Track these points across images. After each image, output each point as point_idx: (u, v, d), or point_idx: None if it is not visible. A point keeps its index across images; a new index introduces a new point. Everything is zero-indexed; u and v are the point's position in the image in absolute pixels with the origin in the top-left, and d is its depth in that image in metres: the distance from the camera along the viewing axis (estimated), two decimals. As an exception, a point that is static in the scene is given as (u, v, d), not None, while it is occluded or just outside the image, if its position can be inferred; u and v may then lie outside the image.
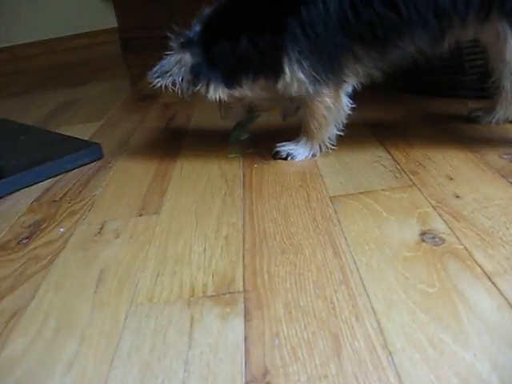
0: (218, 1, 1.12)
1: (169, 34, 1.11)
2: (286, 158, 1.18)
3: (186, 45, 1.09)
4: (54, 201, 1.16)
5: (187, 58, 1.08)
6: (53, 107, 2.05)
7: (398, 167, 1.06)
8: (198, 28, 1.11)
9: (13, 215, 1.12)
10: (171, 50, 1.10)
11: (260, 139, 1.30)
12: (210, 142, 1.37)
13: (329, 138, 1.15)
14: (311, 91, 1.07)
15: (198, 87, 1.10)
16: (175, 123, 1.58)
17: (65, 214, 1.09)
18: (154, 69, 1.09)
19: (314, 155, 1.17)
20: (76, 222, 1.04)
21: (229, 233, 0.91)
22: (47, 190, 1.23)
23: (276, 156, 1.18)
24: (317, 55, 1.03)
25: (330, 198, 0.98)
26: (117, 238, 0.95)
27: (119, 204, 1.08)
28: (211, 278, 0.80)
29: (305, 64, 1.03)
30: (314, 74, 1.04)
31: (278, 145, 1.19)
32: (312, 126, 1.14)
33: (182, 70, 1.08)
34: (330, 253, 0.81)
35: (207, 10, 1.12)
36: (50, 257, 0.93)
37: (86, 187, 1.21)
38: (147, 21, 2.97)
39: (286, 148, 1.18)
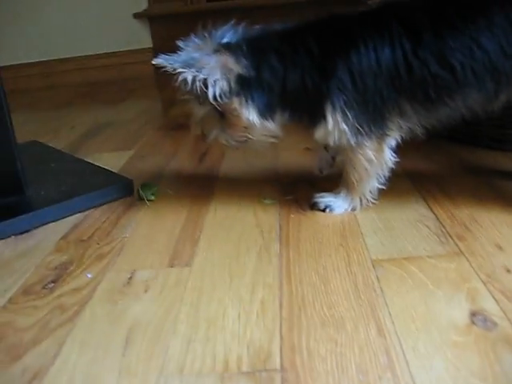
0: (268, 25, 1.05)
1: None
2: (324, 210, 1.13)
3: (227, 48, 1.00)
4: (82, 240, 1.13)
5: (231, 63, 0.99)
6: (84, 130, 2.03)
7: (443, 230, 1.00)
8: (237, 38, 1.02)
9: (39, 253, 1.09)
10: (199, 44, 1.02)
11: (297, 184, 1.26)
12: (244, 182, 1.33)
13: (370, 192, 1.10)
14: (353, 143, 1.02)
15: (235, 99, 1.01)
16: (208, 159, 1.54)
17: (93, 257, 1.05)
18: (178, 54, 1.00)
19: (353, 209, 1.12)
20: (104, 267, 1.00)
21: (265, 296, 0.86)
22: (75, 226, 1.20)
23: (314, 207, 1.14)
24: (362, 106, 0.99)
25: (371, 261, 0.93)
26: (146, 291, 0.91)
27: (149, 250, 1.04)
28: (246, 349, 0.75)
29: (349, 114, 0.99)
30: (358, 126, 0.99)
31: (317, 195, 1.15)
32: (352, 179, 1.09)
33: (223, 73, 0.99)
34: (373, 330, 0.76)
35: (246, 30, 1.05)
36: (75, 307, 0.89)
37: (115, 227, 1.17)
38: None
39: (324, 200, 1.13)
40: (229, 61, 0.98)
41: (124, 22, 3.13)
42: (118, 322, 0.84)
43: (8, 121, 1.24)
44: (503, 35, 0.90)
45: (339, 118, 0.99)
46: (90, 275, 0.98)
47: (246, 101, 1.00)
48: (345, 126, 1.00)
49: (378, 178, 1.08)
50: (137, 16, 3.09)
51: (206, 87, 0.98)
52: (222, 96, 0.99)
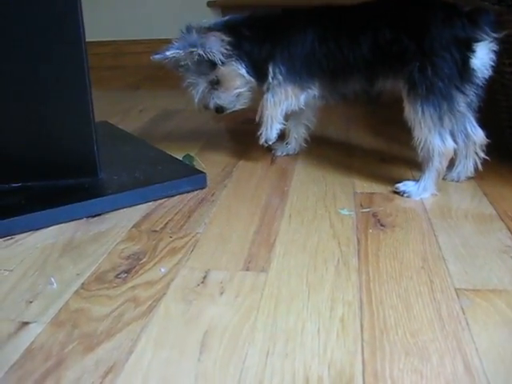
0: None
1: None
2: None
3: (210, 29, 1.35)
4: (154, 231, 1.12)
5: (221, 35, 1.33)
6: (152, 115, 2.03)
7: (531, 265, 0.96)
8: (218, 24, 1.37)
9: (111, 240, 1.09)
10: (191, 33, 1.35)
11: (374, 197, 1.23)
12: (319, 189, 1.30)
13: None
14: (282, 86, 1.36)
15: (231, 59, 1.35)
16: (280, 160, 1.52)
17: (166, 251, 1.04)
18: (174, 45, 1.35)
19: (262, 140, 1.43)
20: (177, 263, 0.99)
21: (345, 314, 0.83)
22: (147, 215, 1.19)
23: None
24: (292, 65, 1.34)
25: (455, 290, 0.89)
26: (222, 293, 0.89)
27: (223, 250, 1.03)
28: (327, 370, 0.72)
29: (282, 68, 1.34)
30: (287, 76, 1.34)
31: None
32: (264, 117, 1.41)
33: (219, 41, 1.32)
34: (460, 366, 0.73)
35: (223, 19, 1.43)
36: (149, 302, 0.88)
37: (187, 221, 1.15)
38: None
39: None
40: (218, 34, 1.33)
41: (197, 9, 3.12)
42: (194, 324, 0.82)
43: (89, 98, 1.24)
44: (371, 41, 1.22)
45: (276, 68, 1.34)
46: (163, 269, 0.97)
47: (239, 61, 1.35)
48: (277, 74, 1.34)
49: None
50: (210, 4, 3.08)
51: (211, 58, 1.33)
52: (224, 60, 1.33)
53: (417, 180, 1.24)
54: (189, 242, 1.07)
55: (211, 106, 1.41)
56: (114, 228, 1.14)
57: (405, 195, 1.23)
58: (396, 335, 0.78)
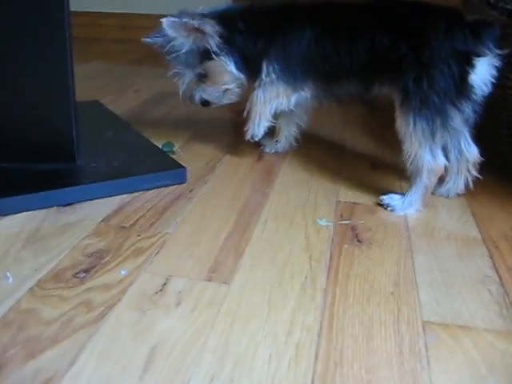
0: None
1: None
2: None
3: (207, 17, 1.28)
4: (123, 227, 1.08)
5: (215, 25, 1.28)
6: (148, 96, 1.99)
7: (507, 300, 0.91)
8: (212, 13, 1.30)
9: (78, 233, 1.05)
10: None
11: (356, 208, 1.18)
12: (301, 193, 1.25)
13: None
14: (275, 84, 1.30)
15: (221, 54, 1.31)
16: (267, 158, 1.47)
17: (130, 251, 1.00)
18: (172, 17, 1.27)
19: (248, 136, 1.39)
20: (140, 266, 0.96)
21: (301, 340, 0.80)
22: (119, 208, 1.15)
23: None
24: (287, 64, 1.28)
25: (422, 322, 0.85)
26: (178, 305, 0.86)
27: (189, 255, 0.99)
28: (271, 403, 0.68)
29: (276, 67, 1.28)
30: (281, 75, 1.29)
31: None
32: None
33: (214, 31, 1.27)
34: (412, 410, 0.68)
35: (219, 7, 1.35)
36: (102, 308, 0.84)
37: (159, 218, 1.12)
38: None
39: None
40: (212, 23, 1.27)
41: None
42: (143, 337, 0.79)
43: (70, 76, 1.18)
44: (368, 45, 1.17)
45: (270, 67, 1.28)
46: (123, 272, 0.93)
47: (229, 56, 1.30)
48: (271, 73, 1.29)
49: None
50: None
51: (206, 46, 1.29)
52: (216, 51, 1.29)
53: (403, 194, 1.18)
54: (156, 242, 1.03)
55: (196, 99, 1.38)
56: (82, 220, 1.10)
57: (388, 208, 1.19)
58: (351, 370, 0.75)
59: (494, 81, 1.11)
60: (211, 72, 1.33)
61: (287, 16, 1.30)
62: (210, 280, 0.92)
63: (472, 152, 1.21)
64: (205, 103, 1.39)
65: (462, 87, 1.08)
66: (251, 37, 1.30)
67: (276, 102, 1.32)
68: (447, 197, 1.27)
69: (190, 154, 1.45)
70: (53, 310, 0.84)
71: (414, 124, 1.10)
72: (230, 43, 1.29)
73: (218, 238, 1.05)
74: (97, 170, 1.25)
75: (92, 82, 2.19)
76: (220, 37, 1.28)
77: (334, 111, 1.85)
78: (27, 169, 1.22)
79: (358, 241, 1.06)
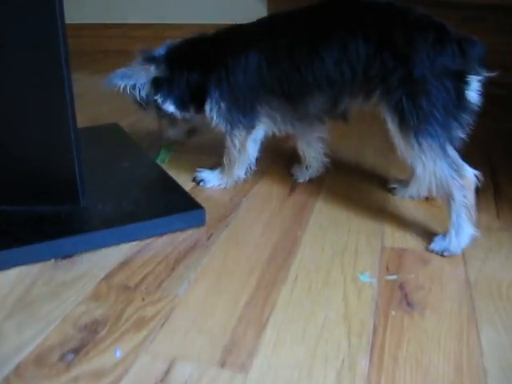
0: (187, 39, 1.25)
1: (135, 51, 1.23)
2: (198, 183, 1.29)
3: (151, 59, 1.21)
4: (127, 287, 0.92)
5: (152, 69, 1.20)
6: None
7: None
8: (162, 51, 1.22)
9: (73, 296, 0.90)
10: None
11: (406, 257, 0.99)
12: (340, 236, 1.07)
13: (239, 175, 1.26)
14: (225, 131, 1.20)
15: (157, 97, 1.22)
16: (302, 188, 1.28)
17: (132, 321, 0.84)
18: (116, 72, 1.20)
19: (223, 185, 1.28)
20: (140, 344, 0.79)
21: None
22: (125, 261, 0.99)
23: (194, 180, 1.30)
24: (234, 99, 1.15)
25: (495, 429, 0.64)
26: (181, 403, 0.67)
27: (201, 329, 0.81)
28: None
29: (222, 105, 1.16)
30: (229, 116, 1.17)
31: (198, 169, 1.32)
32: (225, 162, 1.26)
33: (146, 77, 1.20)
34: None
35: (171, 42, 1.25)
36: (87, 409, 0.66)
37: (170, 275, 0.95)
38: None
39: (202, 174, 1.30)
40: (148, 68, 1.20)
41: (242, -6, 2.90)
42: None
43: (68, 103, 1.02)
44: (337, 56, 1.03)
45: (214, 108, 1.17)
46: (119, 353, 0.76)
47: (164, 98, 1.21)
48: (217, 116, 1.18)
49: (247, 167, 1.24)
50: (257, -11, 2.84)
51: (134, 90, 1.21)
52: (149, 96, 1.22)
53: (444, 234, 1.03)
54: (162, 310, 0.86)
55: (168, 135, 1.39)
56: (81, 278, 0.94)
57: (445, 254, 1.01)
58: None
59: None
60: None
61: (229, 41, 1.19)
62: (223, 366, 0.74)
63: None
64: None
65: (460, 101, 0.98)
66: (188, 70, 1.20)
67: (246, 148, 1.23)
68: (410, 198, 1.22)
69: (212, 188, 1.27)
70: (26, 410, 0.67)
71: (419, 144, 0.97)
72: (169, 83, 1.21)
73: (236, 302, 0.87)
74: (103, 213, 1.09)
75: (118, 100, 2.04)
76: (156, 80, 1.21)
77: (377, 133, 1.63)
78: (25, 212, 1.08)
79: (408, 304, 0.86)
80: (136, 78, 1.20)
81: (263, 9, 2.94)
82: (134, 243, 1.05)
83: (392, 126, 0.99)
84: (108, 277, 0.95)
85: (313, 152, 1.31)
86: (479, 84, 0.98)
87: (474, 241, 1.01)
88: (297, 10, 1.12)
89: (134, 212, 1.09)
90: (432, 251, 1.02)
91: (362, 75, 1.02)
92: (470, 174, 0.99)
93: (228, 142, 1.21)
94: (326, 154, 1.32)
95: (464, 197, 0.98)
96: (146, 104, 1.24)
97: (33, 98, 1.04)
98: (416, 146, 0.97)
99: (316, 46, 1.05)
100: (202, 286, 0.92)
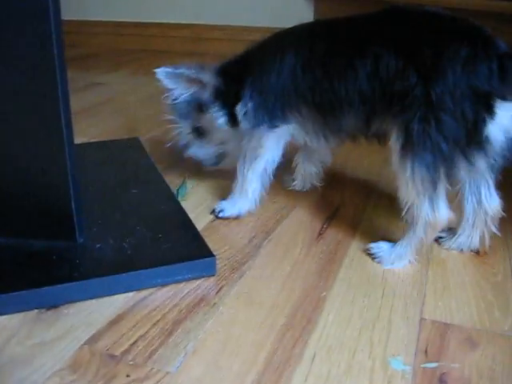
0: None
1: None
2: (217, 216, 1.16)
3: (205, 70, 1.15)
4: (112, 356, 0.76)
5: (208, 77, 1.14)
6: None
7: None
8: (215, 64, 1.17)
9: (48, 363, 0.77)
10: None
11: (449, 337, 0.82)
12: (372, 301, 0.91)
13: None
14: (244, 132, 1.13)
15: (213, 108, 1.16)
16: (333, 229, 1.11)
17: (109, 407, 0.67)
18: (171, 68, 1.14)
19: (242, 212, 1.15)
20: None
21: None
22: (117, 319, 0.86)
23: (213, 211, 1.18)
24: (263, 100, 1.09)
25: None
26: None
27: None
28: None
29: (249, 105, 1.10)
30: (253, 116, 1.10)
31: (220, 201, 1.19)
32: (234, 183, 1.17)
33: (203, 85, 1.15)
34: None
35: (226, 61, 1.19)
36: None
37: (164, 343, 0.80)
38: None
39: (221, 205, 1.18)
40: (206, 76, 1.14)
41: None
42: None
43: (65, 133, 0.90)
44: (370, 70, 0.95)
45: (243, 109, 1.10)
46: None
47: (219, 109, 1.15)
48: (243, 117, 1.11)
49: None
50: (303, -8, 2.69)
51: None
52: (202, 106, 1.16)
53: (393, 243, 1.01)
54: (147, 393, 0.70)
55: (186, 155, 1.25)
56: (62, 339, 0.81)
57: (376, 260, 1.02)
58: None
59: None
60: (207, 127, 1.20)
61: (267, 45, 1.14)
62: None
63: (493, 204, 1.01)
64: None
65: (474, 137, 0.89)
66: (233, 79, 1.14)
67: (261, 161, 1.13)
68: (459, 251, 1.07)
69: (232, 223, 1.12)
70: None
71: (413, 170, 0.91)
72: (224, 95, 1.15)
73: (240, 386, 0.71)
74: (100, 255, 0.95)
75: (147, 107, 1.92)
76: (216, 89, 1.15)
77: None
78: (17, 246, 0.95)
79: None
80: (187, 82, 1.16)
81: (310, 12, 2.79)
82: (131, 294, 0.91)
83: (394, 145, 0.94)
84: (93, 340, 0.81)
85: (303, 170, 1.29)
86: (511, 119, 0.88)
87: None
88: (341, 18, 1.06)
89: (134, 257, 0.95)
90: (369, 252, 1.03)
91: (390, 93, 0.94)
92: (444, 217, 0.95)
93: (242, 148, 1.14)
94: (319, 179, 1.32)
95: (425, 233, 0.96)
96: (186, 115, 1.20)
97: (23, 119, 0.91)
98: (409, 171, 0.92)
99: (351, 58, 0.98)
100: (200, 361, 0.77)
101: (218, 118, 1.16)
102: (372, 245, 1.03)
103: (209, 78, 1.15)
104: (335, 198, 1.27)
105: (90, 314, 0.86)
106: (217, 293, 0.92)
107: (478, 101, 0.86)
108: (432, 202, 0.93)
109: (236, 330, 0.83)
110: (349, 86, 0.98)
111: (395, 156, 0.94)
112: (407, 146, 0.91)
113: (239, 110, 1.11)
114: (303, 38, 1.08)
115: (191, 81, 1.15)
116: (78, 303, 0.89)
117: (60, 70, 0.86)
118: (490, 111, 0.87)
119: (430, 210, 0.93)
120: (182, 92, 1.16)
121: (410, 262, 1.00)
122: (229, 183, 1.19)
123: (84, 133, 1.67)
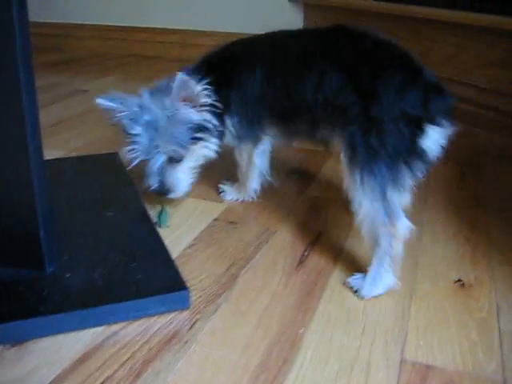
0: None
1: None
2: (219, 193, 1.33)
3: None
4: (77, 399, 0.71)
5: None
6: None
7: None
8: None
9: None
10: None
11: (432, 378, 0.77)
12: (352, 340, 0.87)
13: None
14: (233, 144, 1.25)
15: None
16: (314, 258, 1.08)
17: None
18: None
19: (241, 199, 1.32)
20: None
21: None
22: (83, 357, 0.82)
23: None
24: (244, 112, 1.17)
25: None
26: None
27: None
28: None
29: (235, 119, 1.18)
30: (239, 130, 1.20)
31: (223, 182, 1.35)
32: (239, 176, 1.32)
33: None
34: None
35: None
36: None
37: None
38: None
39: (225, 187, 1.35)
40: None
41: (278, 4, 2.72)
42: None
43: (28, 129, 0.85)
44: (316, 83, 1.04)
45: (231, 122, 1.19)
46: None
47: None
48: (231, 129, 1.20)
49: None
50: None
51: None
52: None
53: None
54: None
55: (168, 185, 1.19)
56: (24, 380, 0.75)
57: (357, 293, 0.99)
58: None
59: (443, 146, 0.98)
60: (194, 152, 1.18)
61: (240, 57, 1.20)
62: None
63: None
64: (164, 192, 1.18)
65: (414, 148, 0.95)
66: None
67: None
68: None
69: (211, 248, 1.08)
70: None
71: (362, 181, 0.95)
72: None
73: None
74: (69, 286, 0.92)
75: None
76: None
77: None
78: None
79: None
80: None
81: (299, 19, 2.77)
82: (100, 329, 0.87)
83: (343, 159, 0.98)
84: (57, 381, 0.77)
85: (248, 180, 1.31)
86: (440, 135, 0.95)
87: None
88: (296, 31, 1.16)
89: (104, 289, 0.91)
90: (348, 285, 1.01)
91: (332, 105, 1.02)
92: (403, 225, 0.96)
93: (237, 157, 1.26)
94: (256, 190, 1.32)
95: (390, 245, 0.96)
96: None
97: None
98: (359, 182, 0.95)
99: (302, 70, 1.07)
100: (167, 409, 0.72)
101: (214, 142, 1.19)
102: (348, 279, 1.01)
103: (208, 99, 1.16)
104: (318, 220, 1.24)
105: (57, 352, 0.83)
106: (190, 328, 0.88)
107: (410, 123, 0.93)
108: (386, 210, 0.95)
109: (208, 371, 0.79)
110: (299, 96, 1.07)
111: (345, 169, 0.98)
112: (354, 159, 0.96)
113: (229, 121, 1.18)
114: (267, 50, 1.16)
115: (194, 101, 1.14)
116: (45, 338, 0.85)
117: (25, 79, 0.81)
118: (422, 130, 0.94)
119: (386, 218, 0.95)
120: (186, 114, 1.14)
121: (391, 286, 0.98)
122: (205, 205, 1.16)
123: (63, 145, 1.63)
